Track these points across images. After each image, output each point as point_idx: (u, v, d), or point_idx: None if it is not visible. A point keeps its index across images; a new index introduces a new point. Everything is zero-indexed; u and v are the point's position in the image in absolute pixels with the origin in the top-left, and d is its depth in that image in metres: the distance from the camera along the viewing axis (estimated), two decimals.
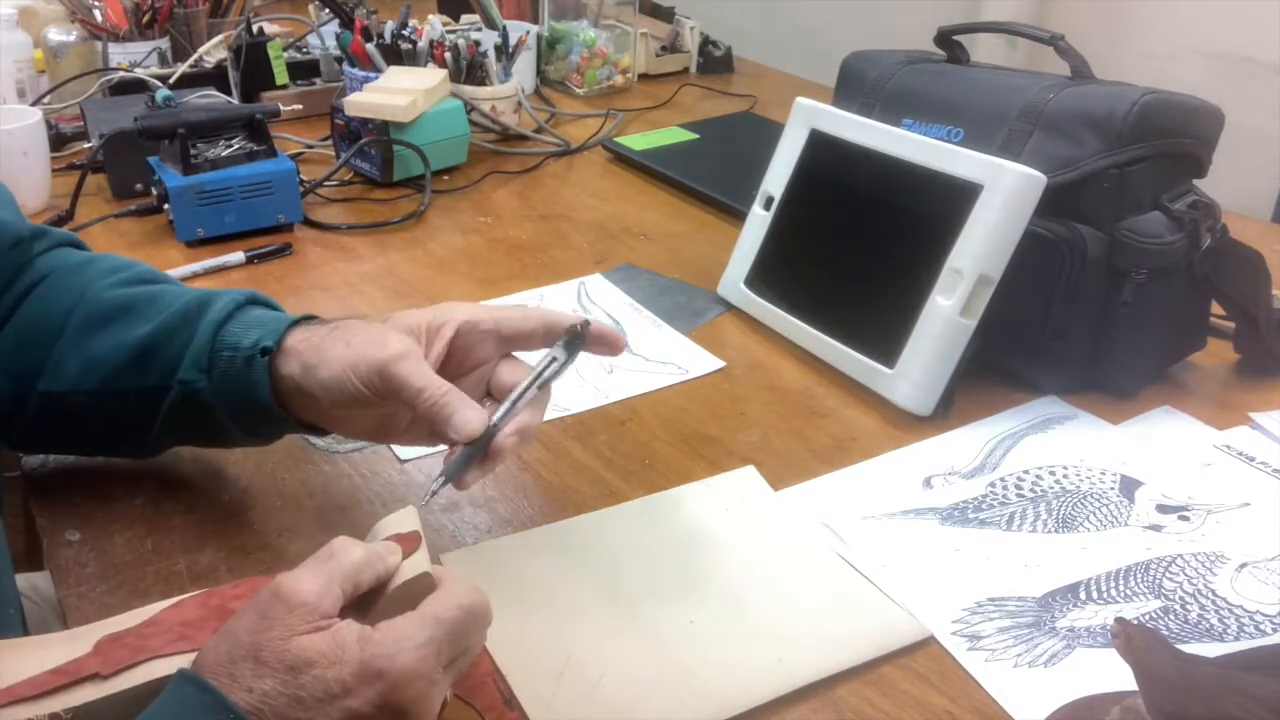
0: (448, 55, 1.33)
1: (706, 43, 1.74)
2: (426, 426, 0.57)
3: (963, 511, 0.71)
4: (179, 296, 0.67)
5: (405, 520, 0.53)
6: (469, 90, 1.33)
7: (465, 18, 1.59)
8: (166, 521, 0.68)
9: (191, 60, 1.41)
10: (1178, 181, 0.81)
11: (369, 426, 0.63)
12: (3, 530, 0.63)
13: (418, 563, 0.50)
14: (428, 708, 0.45)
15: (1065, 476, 0.75)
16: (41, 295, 0.68)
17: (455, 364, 0.62)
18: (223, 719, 0.42)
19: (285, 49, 1.47)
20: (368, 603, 0.48)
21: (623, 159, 1.35)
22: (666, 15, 1.77)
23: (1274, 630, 0.61)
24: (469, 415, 0.56)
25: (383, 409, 0.61)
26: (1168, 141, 0.78)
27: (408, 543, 0.51)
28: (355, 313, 0.66)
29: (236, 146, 1.09)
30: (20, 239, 0.69)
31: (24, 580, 0.81)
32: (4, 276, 0.68)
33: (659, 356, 0.89)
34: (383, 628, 0.45)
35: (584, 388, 0.84)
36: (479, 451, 0.57)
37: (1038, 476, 0.75)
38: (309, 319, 0.65)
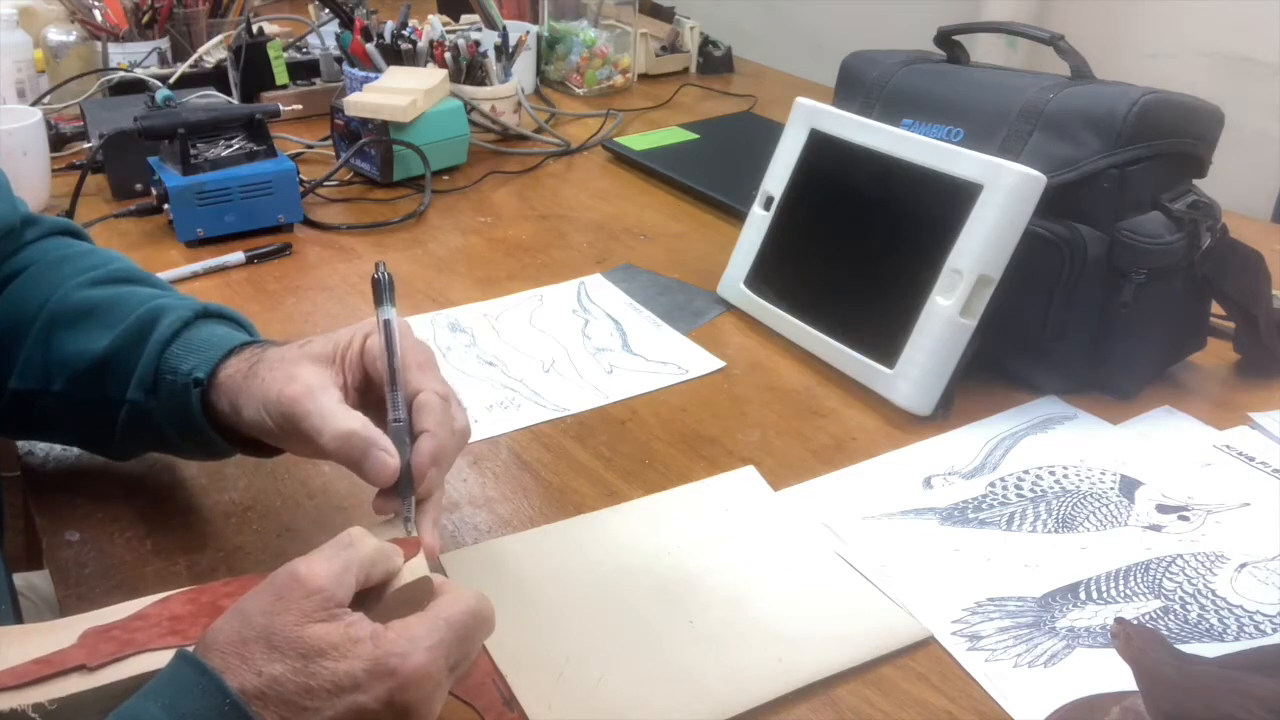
0: (448, 55, 1.33)
1: (706, 43, 1.74)
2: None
3: (963, 511, 0.71)
4: (138, 304, 0.65)
5: (403, 525, 0.53)
6: (469, 90, 1.33)
7: (465, 18, 1.59)
8: (166, 522, 0.68)
9: (191, 60, 1.41)
10: (1178, 181, 0.81)
11: (318, 453, 0.56)
12: None
13: (416, 567, 0.50)
14: (432, 709, 0.45)
15: (1065, 476, 0.75)
16: (18, 289, 0.68)
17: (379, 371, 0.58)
18: (218, 702, 0.41)
19: (285, 49, 1.47)
20: (367, 601, 0.48)
21: (623, 159, 1.35)
22: (666, 15, 1.77)
23: (1274, 630, 0.61)
24: (380, 459, 0.53)
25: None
26: (1168, 141, 0.78)
27: (407, 547, 0.51)
28: (290, 338, 0.62)
29: (236, 146, 1.09)
30: (11, 229, 0.69)
31: (23, 580, 0.82)
32: None
33: (659, 356, 0.89)
34: (395, 626, 0.45)
35: (584, 388, 0.84)
36: (408, 487, 0.54)
37: (1038, 476, 0.75)
38: (250, 343, 0.63)
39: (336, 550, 0.47)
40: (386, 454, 0.53)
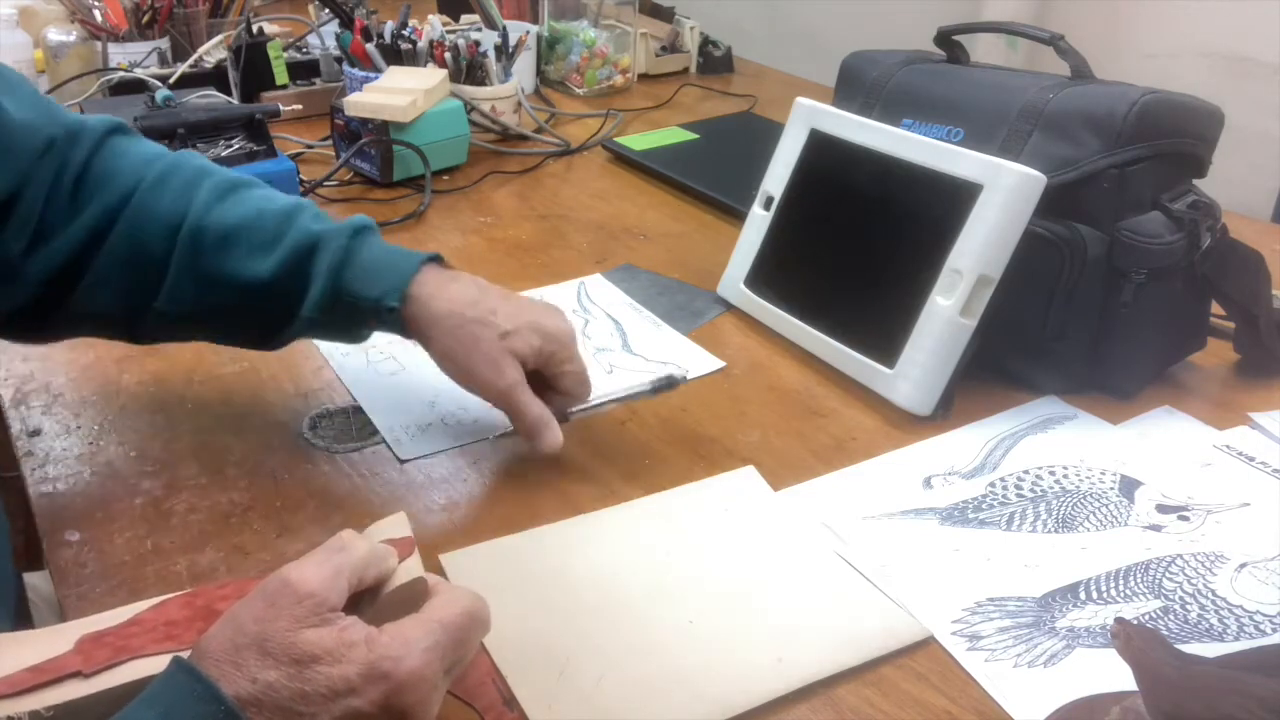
0: (448, 55, 1.33)
1: (706, 43, 1.74)
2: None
3: (963, 511, 0.71)
4: (279, 225, 0.70)
5: (397, 525, 0.53)
6: (469, 90, 1.33)
7: (465, 18, 1.60)
8: (166, 522, 0.68)
9: (191, 60, 1.41)
10: (1178, 181, 0.81)
11: (484, 397, 0.74)
12: (4, 523, 0.63)
13: (411, 568, 0.50)
14: (428, 710, 0.45)
15: (1065, 476, 0.75)
16: (140, 212, 0.69)
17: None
18: (213, 709, 0.41)
19: (285, 49, 1.47)
20: (362, 603, 0.48)
21: (623, 159, 1.35)
22: (666, 15, 1.77)
23: (1274, 630, 0.61)
24: (552, 440, 0.71)
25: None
26: (1168, 141, 0.78)
27: (402, 548, 0.51)
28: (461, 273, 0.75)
29: (236, 146, 1.09)
30: (51, 141, 0.68)
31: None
32: (43, 183, 0.67)
33: (659, 356, 0.89)
34: (389, 630, 0.45)
35: None
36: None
37: (1038, 476, 0.75)
38: (430, 259, 0.72)
39: (328, 554, 0.47)
40: (558, 436, 0.72)
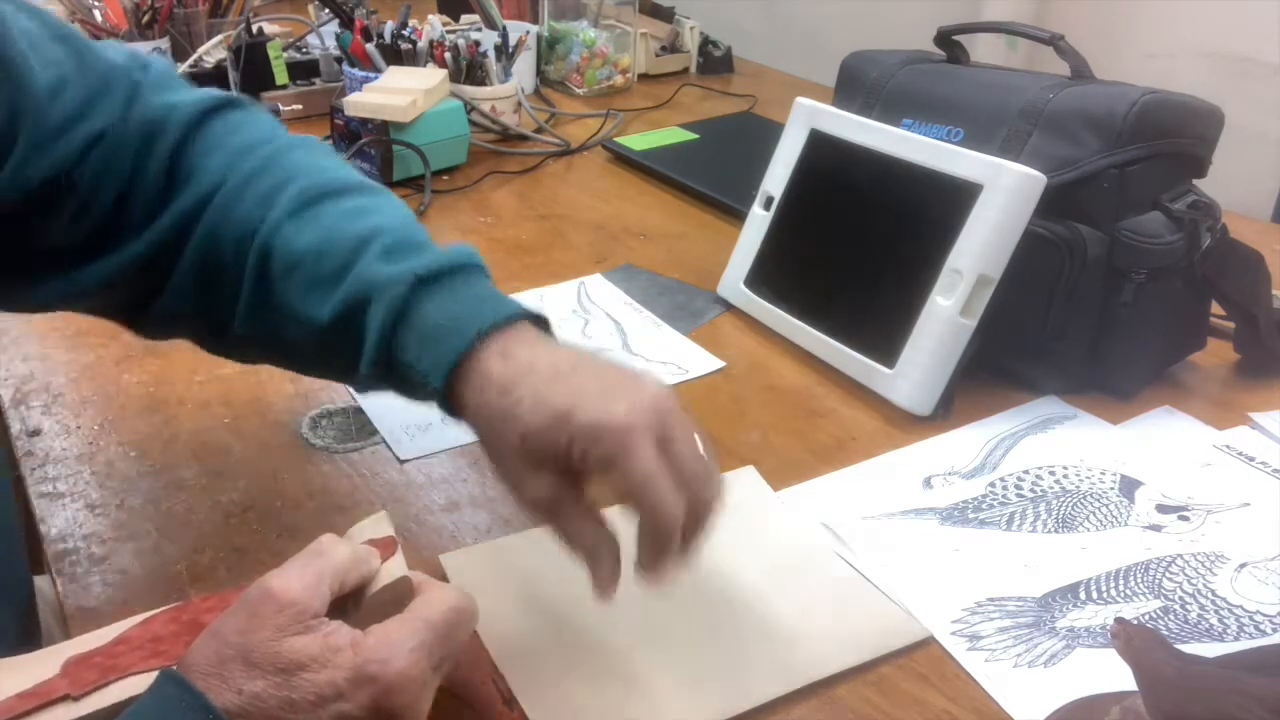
0: (448, 55, 1.33)
1: (706, 43, 1.74)
2: None
3: (962, 511, 0.71)
4: (351, 262, 0.57)
5: (379, 525, 0.53)
6: (469, 90, 1.33)
7: (465, 18, 1.59)
8: (166, 522, 0.68)
9: (191, 60, 1.41)
10: (1178, 181, 0.81)
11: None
12: (17, 526, 0.63)
13: (394, 568, 0.49)
14: (419, 711, 0.45)
15: (1065, 476, 0.75)
16: (217, 216, 0.60)
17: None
18: (201, 719, 0.41)
19: (285, 49, 1.47)
20: (347, 607, 0.48)
21: (623, 159, 1.35)
22: (666, 15, 1.77)
23: (1274, 630, 0.61)
24: (601, 582, 0.53)
25: None
26: (1167, 141, 0.78)
27: (385, 547, 0.50)
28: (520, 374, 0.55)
29: None
30: (103, 133, 0.59)
31: None
32: (99, 174, 0.58)
33: (659, 356, 0.89)
34: (375, 632, 0.45)
35: None
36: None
37: (1038, 476, 0.75)
38: (515, 317, 0.56)
39: (308, 560, 0.46)
40: (613, 578, 0.53)
